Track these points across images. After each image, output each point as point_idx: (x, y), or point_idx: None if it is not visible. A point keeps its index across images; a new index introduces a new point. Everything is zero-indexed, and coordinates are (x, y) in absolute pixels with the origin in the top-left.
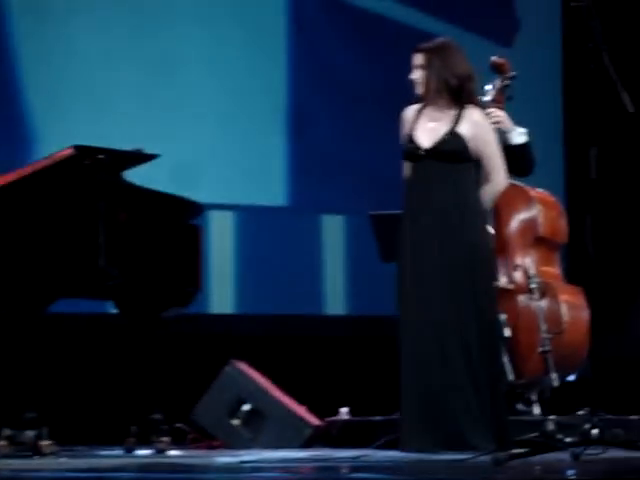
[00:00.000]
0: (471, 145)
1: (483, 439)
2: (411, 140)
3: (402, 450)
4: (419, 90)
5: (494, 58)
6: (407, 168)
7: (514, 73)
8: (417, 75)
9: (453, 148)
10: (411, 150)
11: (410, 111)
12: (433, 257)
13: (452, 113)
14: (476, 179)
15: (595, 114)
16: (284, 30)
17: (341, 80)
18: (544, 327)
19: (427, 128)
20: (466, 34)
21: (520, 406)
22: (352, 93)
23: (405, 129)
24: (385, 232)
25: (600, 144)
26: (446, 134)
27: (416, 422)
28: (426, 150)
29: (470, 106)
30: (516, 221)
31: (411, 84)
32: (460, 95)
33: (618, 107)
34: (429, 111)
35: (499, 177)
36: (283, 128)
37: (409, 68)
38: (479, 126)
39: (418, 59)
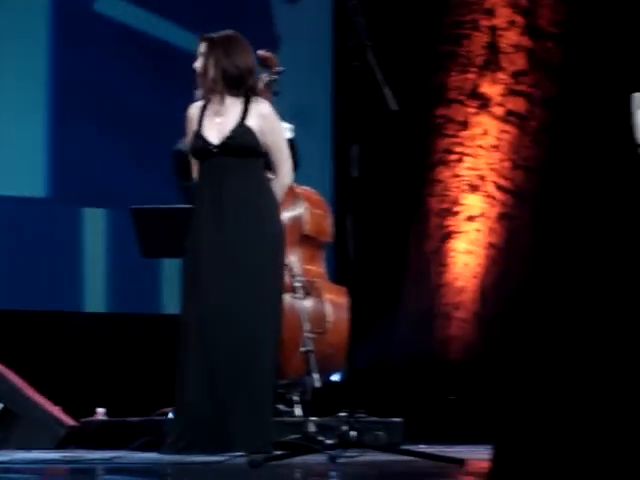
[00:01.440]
0: (260, 138)
1: (250, 440)
2: (199, 137)
3: (166, 451)
4: (199, 79)
5: (260, 52)
6: (196, 165)
7: (281, 68)
8: (198, 63)
9: (243, 142)
10: (200, 147)
11: (194, 108)
12: (226, 253)
13: (238, 107)
14: (267, 172)
15: (359, 112)
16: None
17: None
18: (307, 327)
19: (214, 123)
20: None
21: (281, 407)
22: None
23: (191, 127)
24: (146, 227)
25: (364, 142)
26: (234, 128)
27: (184, 423)
28: (216, 146)
29: (257, 99)
30: (282, 218)
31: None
32: (240, 87)
33: (381, 105)
34: (214, 106)
35: (285, 170)
36: (44, 119)
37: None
38: (267, 119)
39: (201, 47)
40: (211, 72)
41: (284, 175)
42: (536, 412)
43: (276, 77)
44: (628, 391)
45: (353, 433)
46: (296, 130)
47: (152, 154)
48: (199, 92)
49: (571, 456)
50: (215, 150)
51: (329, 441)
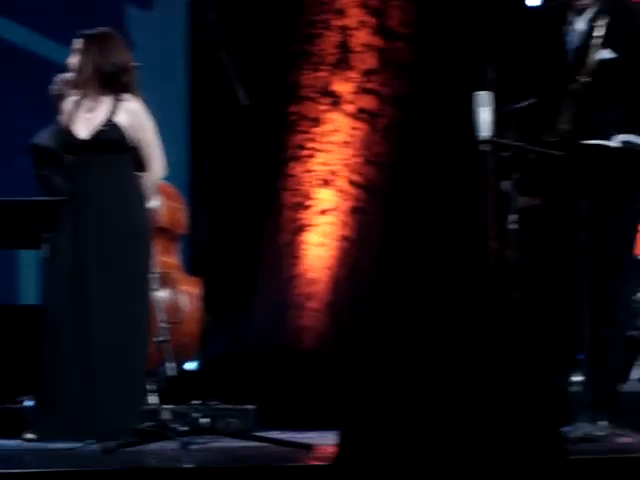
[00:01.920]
0: (129, 134)
1: (112, 425)
2: (68, 132)
3: (28, 437)
4: (73, 76)
5: None
6: (67, 160)
7: (137, 64)
8: (74, 60)
9: (111, 138)
10: (68, 142)
11: (68, 103)
12: (93, 246)
13: (108, 103)
14: (135, 167)
15: (210, 107)
16: None
17: None
18: (162, 317)
19: (84, 119)
20: None
21: None
22: None
23: (63, 121)
24: (3, 219)
25: (219, 137)
26: (103, 124)
27: (46, 408)
28: (84, 141)
29: (127, 95)
30: None
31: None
32: (114, 84)
33: (233, 100)
34: (87, 102)
35: (157, 166)
36: None
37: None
38: (136, 115)
39: (77, 44)
40: (86, 69)
41: (155, 171)
42: (380, 400)
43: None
44: (467, 382)
45: (206, 420)
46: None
47: (9, 148)
48: (70, 87)
49: (412, 441)
50: (83, 145)
51: (182, 428)
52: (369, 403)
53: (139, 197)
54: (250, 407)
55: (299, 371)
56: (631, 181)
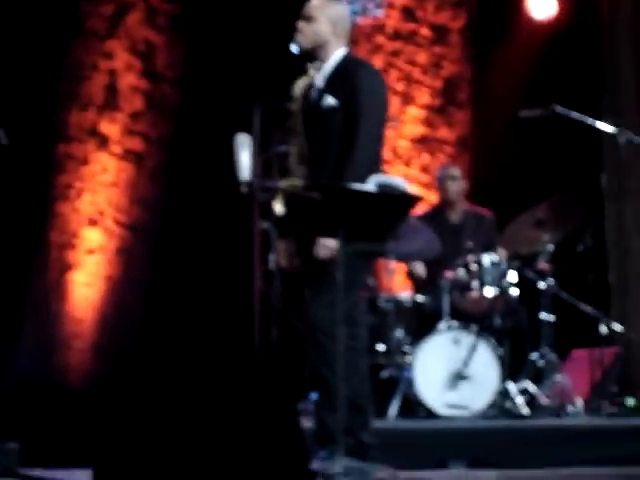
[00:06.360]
0: None
1: None
2: None
3: None
4: None
5: None
6: None
7: None
8: None
9: None
10: None
11: None
12: None
13: None
14: None
15: None
16: None
17: None
18: None
19: None
20: None
21: None
22: None
23: None
24: None
25: None
26: None
27: None
28: None
29: None
30: None
31: None
32: None
33: None
34: None
35: None
36: None
37: None
38: None
39: None
40: None
41: None
42: (132, 437)
43: None
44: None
45: None
46: None
47: None
48: None
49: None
50: None
51: None
52: (121, 440)
53: None
54: (13, 445)
55: (66, 410)
56: (381, 223)
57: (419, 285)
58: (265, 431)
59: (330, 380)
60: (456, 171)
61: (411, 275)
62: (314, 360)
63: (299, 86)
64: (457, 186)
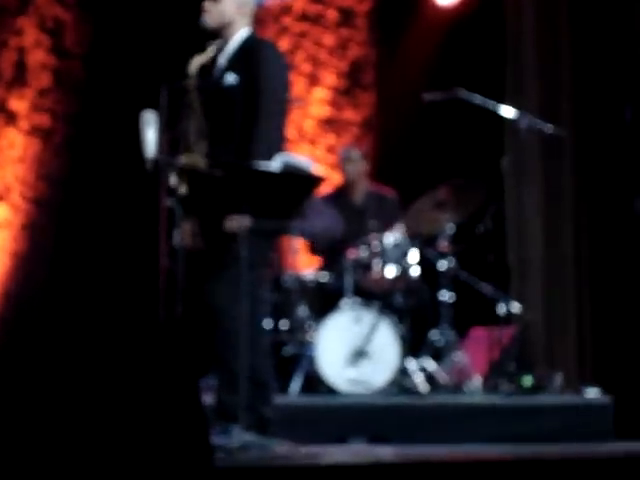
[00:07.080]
0: None
1: None
2: None
3: None
4: None
5: None
6: None
7: None
8: None
9: None
10: None
11: None
12: None
13: None
14: None
15: None
16: None
17: None
18: None
19: None
20: None
21: None
22: None
23: None
24: None
25: None
26: None
27: None
28: None
29: None
30: None
31: None
32: None
33: None
34: None
35: None
36: None
37: None
38: None
39: None
40: None
41: None
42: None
43: None
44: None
45: None
46: None
47: None
48: None
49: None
50: None
51: None
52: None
53: None
54: None
55: None
56: (285, 202)
57: (325, 261)
58: (166, 406)
59: (230, 357)
60: (355, 153)
61: (314, 251)
62: (214, 337)
63: (195, 63)
64: (356, 168)
